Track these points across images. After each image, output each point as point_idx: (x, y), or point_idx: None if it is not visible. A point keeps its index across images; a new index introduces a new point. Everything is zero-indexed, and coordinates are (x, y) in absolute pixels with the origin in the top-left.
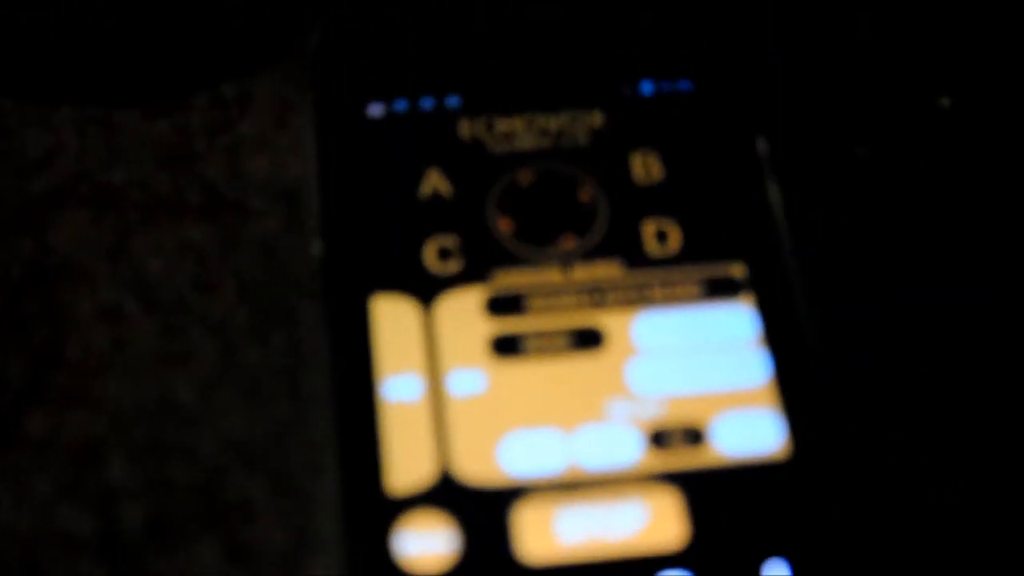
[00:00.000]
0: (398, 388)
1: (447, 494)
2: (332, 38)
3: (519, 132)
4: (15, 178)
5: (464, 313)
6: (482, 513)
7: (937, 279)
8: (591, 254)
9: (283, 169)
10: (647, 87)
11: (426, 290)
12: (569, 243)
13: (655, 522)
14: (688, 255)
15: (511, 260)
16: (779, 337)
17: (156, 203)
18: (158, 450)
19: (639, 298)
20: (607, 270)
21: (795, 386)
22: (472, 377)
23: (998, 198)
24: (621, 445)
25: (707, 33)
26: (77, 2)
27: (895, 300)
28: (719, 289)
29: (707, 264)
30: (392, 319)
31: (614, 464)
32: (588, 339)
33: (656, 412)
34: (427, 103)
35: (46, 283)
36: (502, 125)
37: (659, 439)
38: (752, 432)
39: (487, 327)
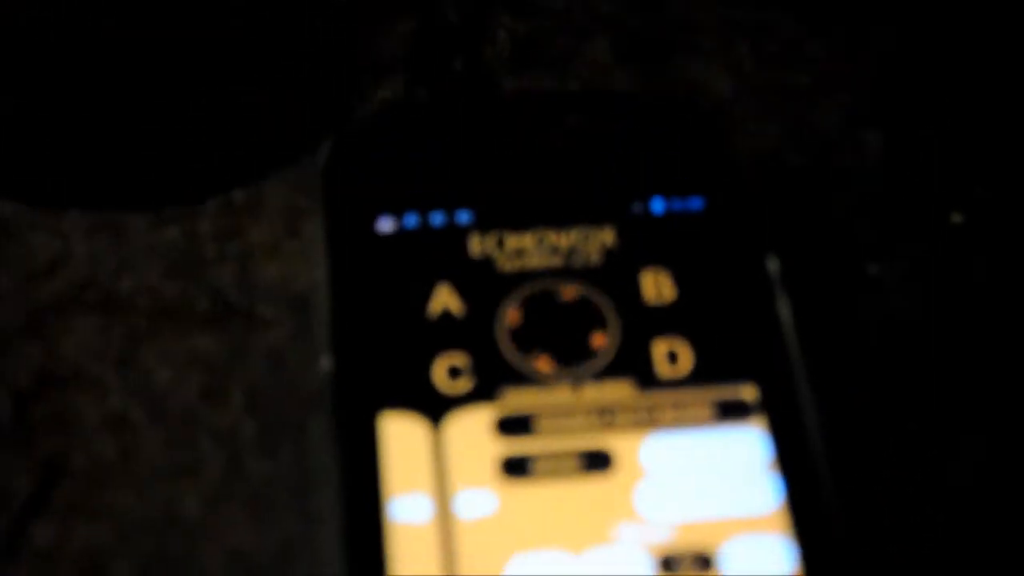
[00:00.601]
0: (406, 509)
1: None
2: (343, 149)
3: (529, 249)
4: (23, 283)
5: (473, 433)
6: None
7: (952, 399)
8: (601, 374)
9: (293, 277)
10: (658, 204)
11: (435, 409)
12: (579, 363)
13: None
14: (699, 376)
15: (521, 380)
16: (790, 461)
17: (164, 311)
18: (163, 563)
19: (649, 420)
20: (617, 391)
21: (807, 512)
22: (481, 498)
23: (1012, 313)
24: (630, 571)
25: (718, 149)
26: (88, 106)
27: (911, 426)
28: (730, 412)
29: (718, 385)
30: (401, 438)
31: None
32: (597, 461)
33: (665, 537)
34: (437, 218)
35: (54, 391)
36: (513, 241)
37: (668, 565)
38: (763, 559)
39: (496, 447)
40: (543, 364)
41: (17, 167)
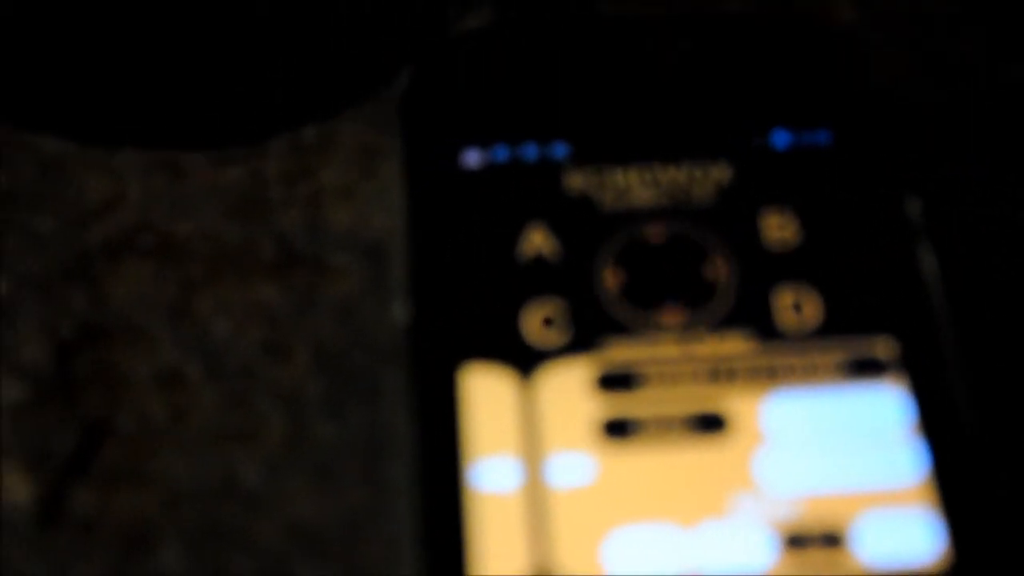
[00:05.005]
0: (491, 475)
1: None
2: (424, 77)
3: (634, 186)
4: (70, 226)
5: (569, 389)
6: None
7: None
8: (716, 326)
9: (367, 222)
10: (781, 137)
11: (526, 362)
12: (691, 313)
13: None
14: (828, 329)
15: (624, 331)
16: (936, 425)
17: (224, 258)
18: (216, 536)
19: (770, 378)
20: (733, 345)
21: (957, 483)
22: (577, 463)
23: None
24: (748, 549)
25: (848, 76)
26: (144, 34)
27: None
28: (864, 369)
29: (850, 340)
30: (486, 394)
31: (740, 571)
32: (710, 424)
33: (788, 511)
34: (530, 151)
35: (99, 343)
36: (615, 178)
37: (793, 543)
38: (904, 538)
39: (595, 406)
40: (649, 314)
41: (67, 101)
